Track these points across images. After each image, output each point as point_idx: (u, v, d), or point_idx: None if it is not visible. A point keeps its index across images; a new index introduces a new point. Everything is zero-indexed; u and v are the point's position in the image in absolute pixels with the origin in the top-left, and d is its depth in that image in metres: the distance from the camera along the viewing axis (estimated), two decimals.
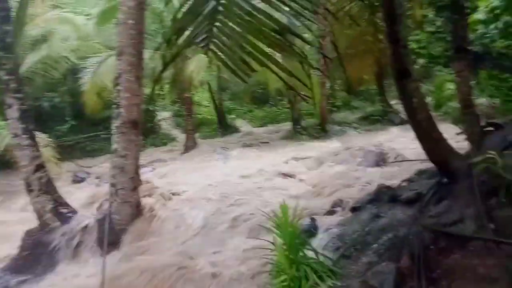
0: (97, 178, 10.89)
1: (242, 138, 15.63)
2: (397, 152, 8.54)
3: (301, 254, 3.96)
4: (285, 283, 3.64)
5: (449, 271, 2.81)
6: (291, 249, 3.88)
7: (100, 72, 11.70)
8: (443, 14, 7.54)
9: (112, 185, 5.80)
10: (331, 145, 11.04)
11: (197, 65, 11.86)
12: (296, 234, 3.97)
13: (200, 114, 18.88)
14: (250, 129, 17.95)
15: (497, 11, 8.95)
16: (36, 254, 5.42)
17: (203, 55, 12.22)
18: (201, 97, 20.63)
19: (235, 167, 9.38)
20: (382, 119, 15.51)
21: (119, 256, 5.22)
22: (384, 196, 5.03)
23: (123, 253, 5.28)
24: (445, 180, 4.40)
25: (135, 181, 5.79)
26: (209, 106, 20.54)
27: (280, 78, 3.01)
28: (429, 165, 6.48)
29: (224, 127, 17.71)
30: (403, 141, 10.14)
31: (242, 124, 18.90)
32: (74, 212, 5.94)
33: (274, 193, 6.48)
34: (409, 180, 5.41)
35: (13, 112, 5.57)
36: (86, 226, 5.75)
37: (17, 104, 5.59)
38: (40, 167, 5.70)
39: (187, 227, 5.78)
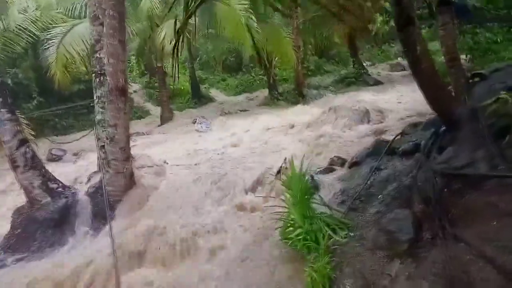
0: (74, 155, 10.50)
1: (219, 107, 15.42)
2: (379, 109, 8.68)
3: (311, 209, 4.00)
4: (301, 237, 3.67)
5: (467, 210, 2.89)
6: (302, 204, 3.91)
7: (66, 43, 11.04)
8: None
9: (103, 156, 5.58)
10: (312, 108, 11.05)
11: (168, 33, 11.38)
12: (305, 190, 3.99)
13: (171, 85, 18.38)
14: (225, 98, 17.71)
15: None
16: (29, 231, 5.18)
17: (173, 20, 11.70)
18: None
19: (221, 135, 9.27)
20: (356, 81, 15.63)
21: (117, 225, 5.09)
22: (382, 149, 5.12)
23: (121, 223, 5.16)
24: (442, 129, 4.52)
25: (127, 151, 5.60)
26: (178, 77, 20.00)
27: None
28: (418, 119, 6.67)
29: (198, 98, 17.35)
30: (381, 100, 10.33)
31: (216, 94, 18.59)
32: (64, 187, 5.69)
33: (273, 155, 6.47)
34: (403, 133, 5.51)
35: None
36: (79, 200, 5.55)
37: None
38: (23, 141, 5.38)
39: (185, 193, 5.71)
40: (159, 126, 13.54)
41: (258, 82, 18.87)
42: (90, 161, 8.13)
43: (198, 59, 21.16)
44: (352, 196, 4.52)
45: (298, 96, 14.59)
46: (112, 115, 5.38)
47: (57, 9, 12.52)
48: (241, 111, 14.00)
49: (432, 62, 3.91)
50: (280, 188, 5.07)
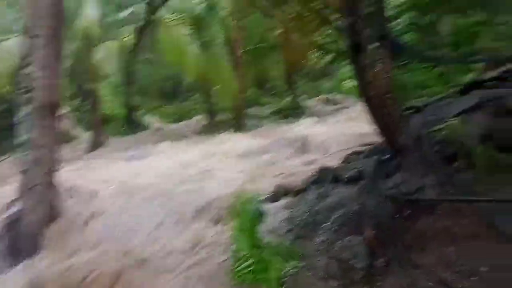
0: None
1: (155, 134, 14.88)
2: (317, 140, 8.89)
3: (259, 238, 3.82)
4: (251, 268, 3.45)
5: (422, 235, 2.91)
6: (251, 233, 3.72)
7: None
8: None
9: (25, 181, 4.96)
10: (252, 137, 11.04)
11: (106, 53, 10.91)
12: (254, 218, 3.82)
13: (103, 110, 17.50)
14: (162, 125, 17.19)
15: (403, 7, 9.95)
16: None
17: (112, 41, 11.28)
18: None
19: (157, 162, 8.83)
20: (293, 112, 16.07)
21: (39, 262, 4.48)
22: (327, 177, 5.14)
23: (44, 259, 4.54)
24: (386, 156, 4.65)
25: (53, 176, 5.03)
26: (112, 102, 19.19)
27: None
28: (356, 149, 6.87)
29: (132, 124, 16.65)
30: (318, 131, 10.62)
31: (152, 120, 18.00)
32: None
33: (210, 182, 6.22)
34: (346, 161, 5.62)
35: None
36: None
37: None
38: None
39: (113, 224, 5.22)
40: (89, 152, 12.68)
41: (196, 110, 18.64)
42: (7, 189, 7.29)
43: (133, 84, 20.47)
44: (299, 224, 4.44)
45: (237, 125, 14.58)
46: (40, 134, 4.84)
47: None
48: (178, 138, 13.59)
49: (381, 90, 4.02)
50: (224, 217, 4.86)
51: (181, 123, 17.22)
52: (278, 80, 23.57)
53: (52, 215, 5.02)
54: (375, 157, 5.03)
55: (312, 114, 15.37)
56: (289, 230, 4.39)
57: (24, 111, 5.58)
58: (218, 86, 15.04)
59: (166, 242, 4.74)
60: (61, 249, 4.72)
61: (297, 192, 5.24)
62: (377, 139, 7.58)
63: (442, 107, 5.72)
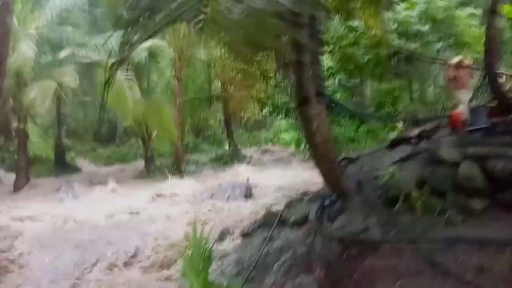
0: None
1: (87, 177, 14.17)
2: (259, 186, 9.15)
3: (210, 280, 3.81)
4: None
5: (368, 273, 3.15)
6: (204, 275, 3.70)
7: None
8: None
9: None
10: (191, 183, 10.98)
11: (42, 91, 10.48)
12: (207, 259, 3.82)
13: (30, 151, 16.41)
14: (95, 168, 16.44)
15: (333, 70, 10.99)
16: None
17: (49, 81, 10.94)
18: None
19: (93, 205, 8.41)
20: (231, 160, 16.31)
21: None
22: (272, 221, 5.31)
23: None
24: (328, 200, 4.97)
25: None
26: (39, 142, 18.13)
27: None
28: (296, 195, 7.18)
29: (62, 166, 15.74)
30: (259, 178, 10.91)
31: (84, 164, 17.17)
32: None
33: (152, 226, 6.08)
34: (290, 206, 5.85)
35: None
36: None
37: None
38: None
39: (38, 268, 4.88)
40: (11, 193, 11.70)
41: (132, 154, 18.19)
42: None
43: (65, 127, 19.60)
44: (247, 267, 4.50)
45: (176, 171, 14.42)
46: None
47: None
48: (112, 182, 13.06)
49: (326, 139, 4.38)
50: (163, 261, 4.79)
51: (116, 166, 16.61)
52: (217, 129, 24.07)
53: None
54: (317, 202, 5.34)
55: (251, 163, 15.73)
56: (238, 273, 4.44)
57: None
58: (157, 132, 14.97)
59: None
60: None
61: (244, 235, 5.33)
62: (316, 186, 8.05)
63: (375, 159, 6.30)
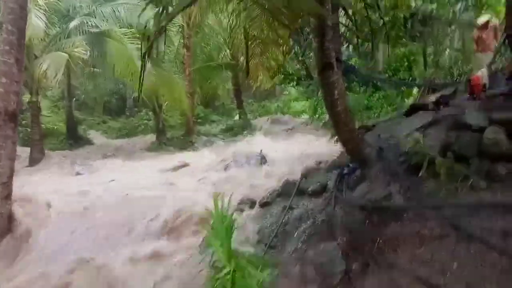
0: None
1: (99, 150, 14.28)
2: (273, 156, 9.15)
3: (233, 248, 3.88)
4: (228, 277, 3.49)
5: (392, 239, 3.17)
6: (227, 244, 3.76)
7: None
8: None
9: None
10: (205, 154, 11.03)
11: (54, 64, 10.41)
12: (228, 228, 3.87)
13: (42, 124, 16.52)
14: (106, 140, 16.55)
15: (347, 36, 10.71)
16: None
17: (60, 52, 10.79)
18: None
19: (108, 178, 8.51)
20: (242, 131, 16.30)
21: None
22: (290, 190, 5.34)
23: None
24: (346, 170, 4.96)
25: (9, 187, 4.74)
26: (50, 116, 18.23)
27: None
28: (314, 163, 7.17)
29: (75, 139, 15.85)
30: (272, 147, 10.90)
31: (96, 136, 17.28)
32: None
33: (172, 197, 6.15)
34: (308, 175, 5.86)
35: None
36: None
37: None
38: None
39: (76, 238, 5.00)
40: (27, 167, 11.83)
41: (143, 126, 18.24)
42: None
43: (75, 99, 19.62)
44: (268, 235, 4.57)
45: (188, 143, 14.48)
46: None
47: None
48: (127, 154, 13.18)
49: (347, 107, 4.34)
50: (191, 231, 4.87)
51: (127, 139, 16.70)
52: (226, 99, 23.92)
53: (4, 228, 4.70)
54: (335, 170, 5.35)
55: (262, 133, 15.70)
56: (259, 241, 4.51)
57: None
58: (168, 103, 14.93)
59: (129, 254, 4.63)
60: (12, 264, 4.44)
61: (262, 204, 5.37)
62: (330, 155, 8.03)
63: (392, 126, 6.23)
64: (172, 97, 13.63)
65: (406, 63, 10.41)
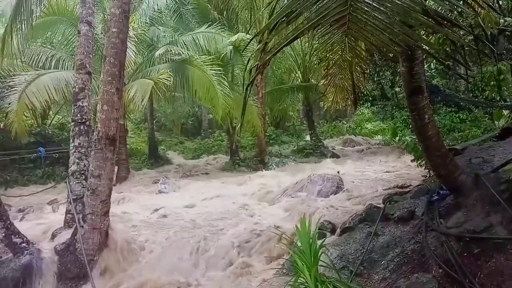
0: (20, 211, 9.47)
1: (178, 169, 15.03)
2: (350, 179, 8.94)
3: (320, 273, 3.84)
4: None
5: (495, 273, 2.93)
6: (314, 268, 3.74)
7: (30, 92, 10.49)
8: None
9: (79, 209, 5.10)
10: (279, 175, 11.11)
11: (140, 90, 11.27)
12: (316, 252, 3.85)
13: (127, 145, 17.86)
14: (183, 160, 17.39)
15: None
16: None
17: (146, 79, 11.55)
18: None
19: (188, 197, 8.91)
20: (314, 152, 16.19)
21: None
22: (375, 215, 5.17)
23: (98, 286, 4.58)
24: (436, 196, 4.70)
25: (107, 205, 5.16)
26: (133, 137, 19.65)
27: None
28: (396, 188, 6.90)
29: (155, 158, 16.88)
30: (348, 170, 10.68)
31: (173, 156, 18.24)
32: (28, 242, 5.03)
33: (249, 219, 6.28)
34: (390, 201, 5.65)
35: None
36: (43, 258, 4.90)
37: None
38: None
39: (167, 254, 5.27)
40: (114, 185, 12.79)
41: (217, 147, 18.93)
42: (44, 218, 7.46)
43: (155, 121, 21.00)
44: (352, 261, 4.45)
45: (260, 163, 14.72)
46: (98, 164, 5.01)
47: (21, 58, 12.05)
48: (202, 174, 13.73)
49: (437, 130, 4.16)
50: (278, 253, 4.92)
51: (202, 159, 17.40)
52: (296, 120, 24.03)
53: (102, 243, 5.10)
54: (423, 197, 5.10)
55: (334, 154, 15.48)
56: (343, 267, 4.40)
57: (75, 142, 5.86)
58: (242, 124, 15.36)
59: (215, 273, 4.77)
60: (112, 277, 4.78)
61: (344, 229, 5.25)
62: (410, 179, 7.67)
63: (484, 150, 5.82)
64: (246, 118, 14.01)
65: (493, 82, 9.73)
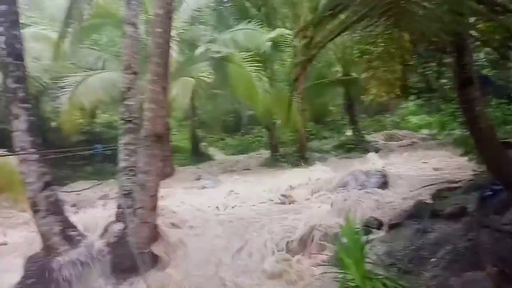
0: (73, 206, 9.99)
1: (219, 165, 15.26)
2: (395, 174, 8.70)
3: (367, 269, 3.78)
4: None
5: None
6: (361, 265, 3.69)
7: (79, 93, 11.04)
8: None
9: (129, 204, 5.31)
10: (321, 170, 10.99)
11: (183, 88, 11.54)
12: (362, 249, 3.80)
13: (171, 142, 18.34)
14: (224, 157, 17.65)
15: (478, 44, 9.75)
16: (43, 282, 4.72)
17: (188, 78, 11.75)
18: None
19: (232, 192, 9.02)
20: (356, 147, 15.87)
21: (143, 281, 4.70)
22: (424, 211, 5.02)
23: (148, 278, 4.76)
24: (488, 192, 4.49)
25: (155, 200, 5.34)
26: (176, 134, 20.13)
27: None
28: (446, 184, 6.64)
29: (197, 155, 17.25)
30: (392, 165, 10.40)
31: (214, 152, 18.56)
32: (82, 235, 5.32)
33: (292, 214, 6.28)
34: (438, 197, 5.46)
35: (20, 124, 4.99)
36: (98, 251, 5.15)
37: (25, 115, 5.03)
38: (48, 184, 5.09)
39: (214, 252, 5.39)
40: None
41: (257, 143, 19.03)
42: (97, 212, 7.82)
43: (196, 118, 21.41)
44: (401, 258, 4.34)
45: (300, 159, 14.63)
46: (146, 161, 5.20)
47: (69, 59, 12.69)
48: (243, 170, 13.86)
49: (489, 123, 3.97)
50: (321, 248, 4.90)
51: (242, 155, 17.56)
52: (336, 115, 23.63)
53: (151, 237, 5.29)
54: (474, 192, 4.89)
55: (377, 149, 15.10)
56: (392, 264, 4.30)
57: (124, 139, 6.08)
58: (281, 120, 15.33)
59: (261, 269, 4.81)
60: (161, 269, 4.95)
61: (392, 225, 5.14)
62: (462, 174, 7.35)
63: None
64: (285, 114, 13.97)
65: None
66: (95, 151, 5.21)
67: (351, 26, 2.67)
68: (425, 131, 18.11)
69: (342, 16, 2.81)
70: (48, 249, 5.00)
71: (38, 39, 11.76)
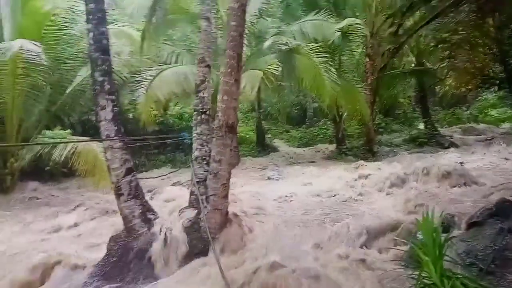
0: (149, 191, 10.64)
1: (284, 157, 15.33)
2: (472, 171, 8.16)
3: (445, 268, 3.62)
4: None
5: None
6: (439, 263, 3.55)
7: (155, 86, 11.68)
8: None
9: (202, 191, 5.56)
10: (389, 165, 10.60)
11: (251, 81, 11.72)
12: (441, 246, 3.64)
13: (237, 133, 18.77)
14: (289, 149, 17.68)
15: None
16: (124, 260, 5.13)
17: (255, 70, 11.86)
18: None
19: (297, 183, 9.06)
20: (429, 141, 15.09)
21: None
22: (508, 210, 4.67)
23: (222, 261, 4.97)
24: None
25: (227, 188, 5.53)
26: (242, 126, 20.52)
27: None
28: None
29: (262, 146, 17.47)
30: (466, 161, 9.75)
31: (279, 144, 18.66)
32: (159, 218, 5.67)
33: (362, 209, 6.16)
34: None
35: (106, 114, 5.43)
36: (173, 234, 5.47)
37: (110, 106, 5.46)
38: (130, 170, 5.49)
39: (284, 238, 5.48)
40: None
41: (322, 135, 18.82)
42: (170, 197, 8.28)
43: (262, 110, 21.65)
44: (482, 258, 4.09)
45: (368, 152, 14.24)
46: (218, 150, 5.39)
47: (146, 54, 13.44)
48: (308, 162, 13.80)
49: None
50: (395, 244, 4.76)
51: (309, 147, 17.47)
52: (408, 107, 22.58)
53: (222, 222, 5.50)
54: None
55: (453, 144, 14.24)
56: (471, 264, 4.07)
57: (197, 130, 6.36)
58: (349, 112, 15.00)
59: (331, 263, 4.79)
60: (232, 254, 5.14)
61: (471, 224, 4.84)
62: None
63: None
64: (353, 106, 13.65)
65: None
66: (182, 139, 5.50)
67: (445, 11, 2.53)
68: (507, 125, 16.70)
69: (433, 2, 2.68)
70: (129, 231, 5.40)
71: (119, 35, 12.56)
